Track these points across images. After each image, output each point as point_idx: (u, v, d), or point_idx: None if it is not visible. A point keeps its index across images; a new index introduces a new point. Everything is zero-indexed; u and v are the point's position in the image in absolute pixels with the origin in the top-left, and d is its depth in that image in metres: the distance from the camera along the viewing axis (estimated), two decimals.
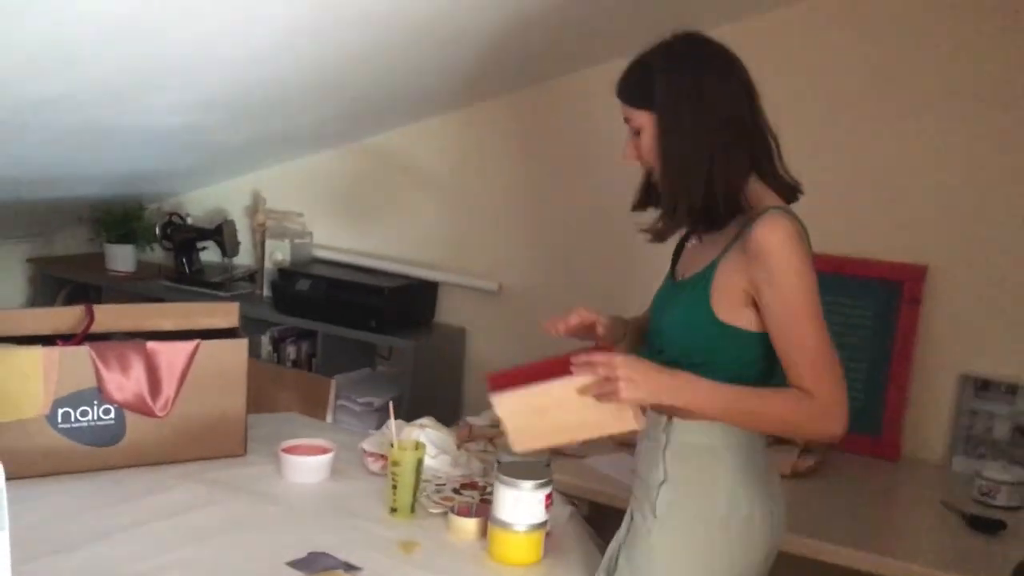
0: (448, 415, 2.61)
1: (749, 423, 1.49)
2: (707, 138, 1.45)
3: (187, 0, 1.72)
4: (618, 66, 1.57)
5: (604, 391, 1.42)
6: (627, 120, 1.54)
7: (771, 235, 1.41)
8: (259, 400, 2.71)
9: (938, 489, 2.23)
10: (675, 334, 1.55)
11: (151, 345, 1.93)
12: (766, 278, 1.41)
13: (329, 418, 2.86)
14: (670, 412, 1.54)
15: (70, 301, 3.49)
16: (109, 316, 1.99)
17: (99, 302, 2.36)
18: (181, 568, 1.52)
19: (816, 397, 1.40)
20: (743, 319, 1.47)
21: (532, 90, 2.93)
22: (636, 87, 1.52)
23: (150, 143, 2.68)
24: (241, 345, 2.04)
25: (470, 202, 3.10)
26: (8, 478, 1.69)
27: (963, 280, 2.38)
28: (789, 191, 1.53)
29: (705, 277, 1.50)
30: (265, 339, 3.21)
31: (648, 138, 1.51)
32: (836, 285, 2.43)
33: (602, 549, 1.83)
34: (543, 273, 2.99)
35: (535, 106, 2.95)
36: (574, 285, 2.92)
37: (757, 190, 1.50)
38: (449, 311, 3.15)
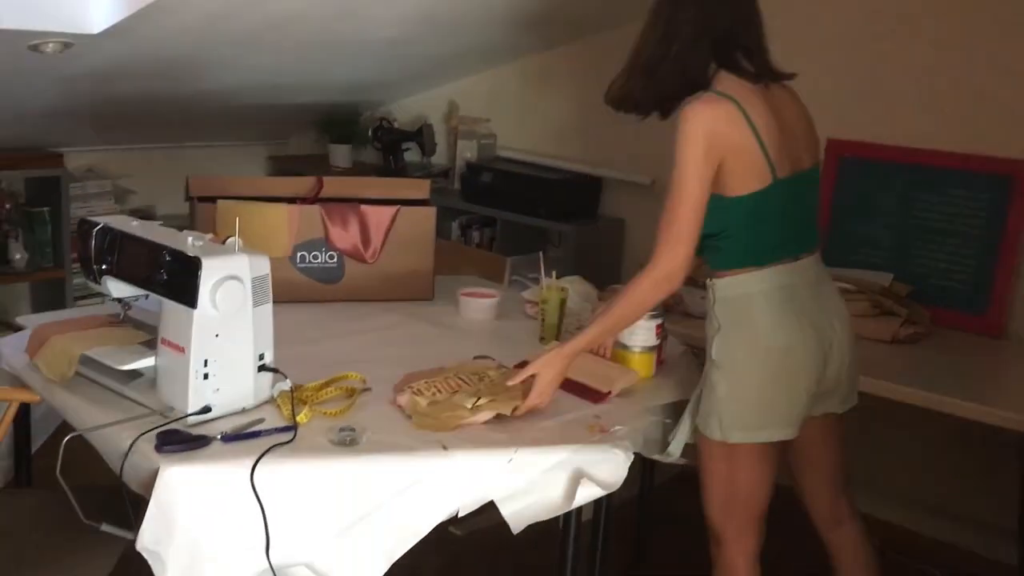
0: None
1: (623, 326, 1.95)
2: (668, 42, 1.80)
3: None
4: None
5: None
6: None
7: (680, 117, 1.75)
8: (449, 273, 3.28)
9: None
10: None
11: (363, 208, 2.50)
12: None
13: (505, 287, 3.40)
14: (711, 273, 1.87)
15: None
16: (334, 186, 2.58)
17: None
18: (382, 360, 2.07)
19: (658, 263, 1.77)
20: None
21: None
22: None
23: (368, 55, 3.27)
24: (430, 212, 2.58)
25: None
26: None
27: None
28: (754, 78, 1.77)
29: None
30: (455, 225, 3.79)
31: None
32: (953, 178, 2.69)
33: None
34: None
35: None
36: None
37: (722, 79, 1.78)
38: (612, 204, 3.60)
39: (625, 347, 2.11)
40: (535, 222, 3.50)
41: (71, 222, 3.58)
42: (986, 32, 2.68)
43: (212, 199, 2.42)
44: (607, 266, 3.57)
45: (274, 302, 2.36)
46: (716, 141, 1.72)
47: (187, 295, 1.64)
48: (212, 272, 1.63)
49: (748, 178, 1.74)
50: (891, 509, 2.92)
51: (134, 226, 1.83)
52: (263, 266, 1.74)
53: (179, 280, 1.66)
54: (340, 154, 4.15)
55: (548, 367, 1.86)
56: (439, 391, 1.84)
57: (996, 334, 2.65)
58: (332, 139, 4.15)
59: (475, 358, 2.11)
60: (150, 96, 3.31)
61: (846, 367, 1.90)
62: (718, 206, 1.76)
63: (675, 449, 1.94)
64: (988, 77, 2.69)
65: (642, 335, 2.10)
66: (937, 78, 2.75)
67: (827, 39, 2.96)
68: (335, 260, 2.49)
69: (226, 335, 1.68)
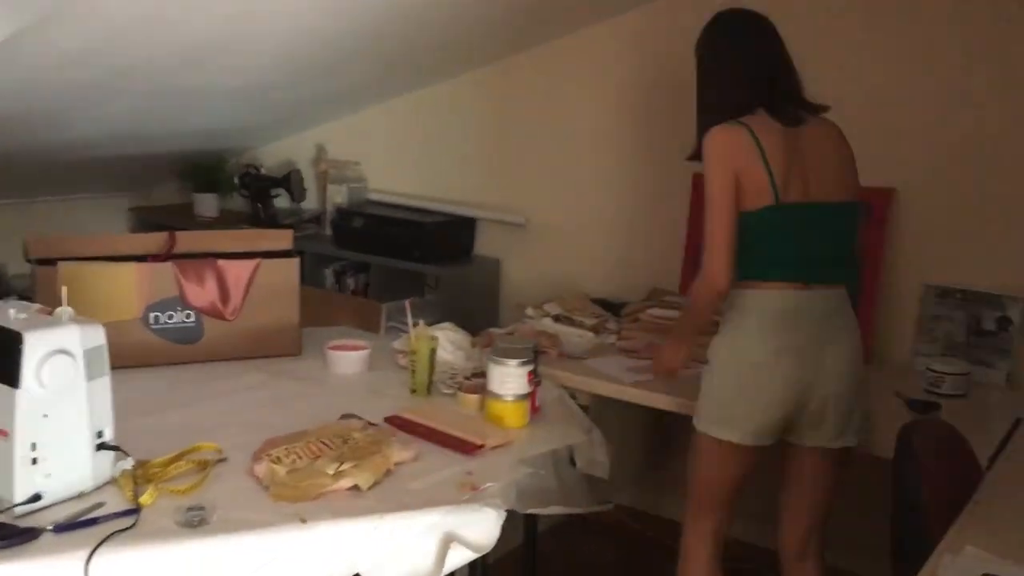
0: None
1: (696, 323, 2.16)
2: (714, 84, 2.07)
3: None
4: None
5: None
6: None
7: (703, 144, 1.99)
8: (321, 323, 3.17)
9: (899, 384, 2.52)
10: None
11: (221, 262, 2.38)
12: None
13: (381, 335, 3.30)
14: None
15: None
16: (188, 240, 2.45)
17: None
18: (241, 425, 1.96)
19: (703, 271, 1.99)
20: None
21: (560, 42, 3.28)
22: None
23: (224, 102, 3.15)
24: (293, 264, 2.47)
25: (501, 148, 3.50)
26: (112, 367, 2.17)
27: (926, 201, 2.66)
28: (787, 119, 1.99)
29: None
30: (328, 272, 3.68)
31: None
32: None
33: (584, 424, 2.23)
34: (565, 208, 3.36)
35: (563, 58, 3.30)
36: (593, 218, 3.29)
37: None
38: (486, 244, 3.55)
39: (497, 396, 2.05)
40: (410, 266, 3.43)
41: None
42: (838, 59, 2.75)
43: (53, 261, 2.26)
44: (485, 306, 3.52)
45: (127, 367, 2.26)
46: (729, 160, 1.94)
47: (8, 374, 1.49)
48: (36, 347, 1.50)
49: (754, 196, 1.94)
50: None
51: None
52: (97, 336, 1.61)
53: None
54: (206, 203, 3.99)
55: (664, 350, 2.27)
56: (300, 457, 1.73)
57: (866, 361, 2.69)
58: (197, 188, 3.99)
59: (341, 417, 2.01)
60: None
61: (835, 402, 2.00)
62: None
63: None
64: (840, 106, 2.76)
65: (513, 383, 2.04)
66: None
67: None
68: (192, 319, 2.35)
69: (56, 415, 1.54)
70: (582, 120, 3.29)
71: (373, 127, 3.83)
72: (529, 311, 2.97)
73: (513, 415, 2.04)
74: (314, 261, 3.68)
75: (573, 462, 2.18)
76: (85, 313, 2.17)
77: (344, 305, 3.46)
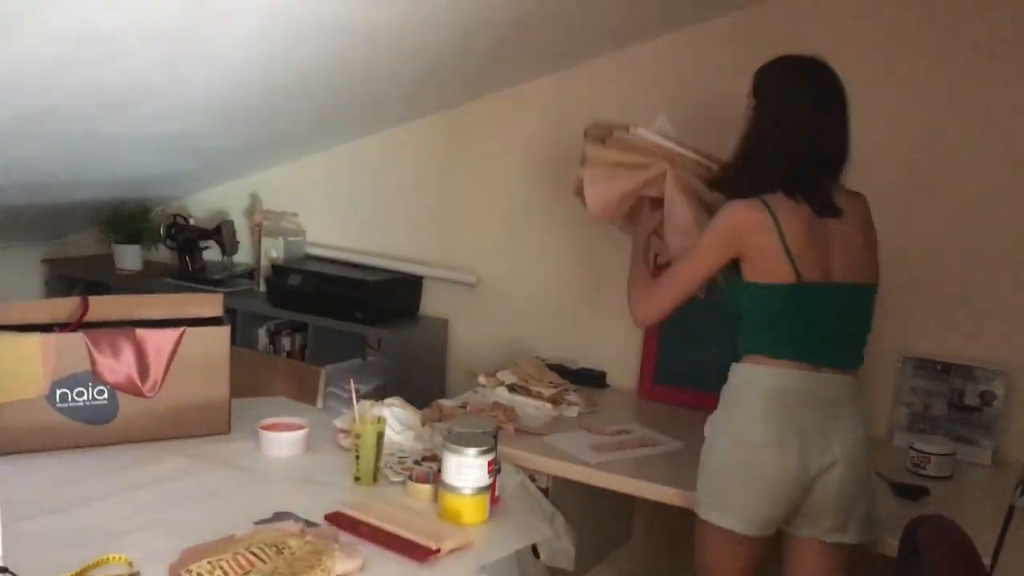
0: (432, 400, 2.79)
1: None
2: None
3: (164, 20, 1.91)
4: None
5: None
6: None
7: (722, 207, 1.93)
8: (255, 388, 2.91)
9: (878, 463, 2.35)
10: None
11: (140, 332, 2.12)
12: None
13: (319, 405, 3.04)
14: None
15: None
16: (103, 306, 2.19)
17: None
18: (159, 527, 1.70)
19: (642, 300, 2.03)
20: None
21: (510, 91, 3.10)
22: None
23: (143, 150, 2.89)
24: (223, 332, 2.22)
25: (450, 201, 3.29)
26: (10, 452, 1.91)
27: (904, 268, 2.52)
28: (819, 207, 1.89)
29: None
30: (262, 332, 3.41)
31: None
32: None
33: (546, 509, 2.02)
34: (517, 266, 3.17)
35: (512, 108, 3.13)
36: (546, 278, 3.10)
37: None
38: (433, 303, 3.33)
39: (453, 488, 1.82)
40: (351, 327, 3.18)
41: None
42: None
43: None
44: (432, 370, 3.29)
45: (28, 452, 1.98)
46: (737, 240, 1.87)
47: None
48: None
49: (767, 271, 1.85)
50: None
51: None
52: None
53: None
54: (128, 256, 3.69)
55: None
56: (226, 574, 1.48)
57: None
58: (118, 239, 3.69)
59: (274, 516, 1.77)
60: None
61: (838, 495, 1.85)
62: (739, 286, 1.90)
63: None
64: None
65: (473, 474, 1.81)
66: None
67: None
68: (105, 396, 2.08)
69: None
70: (535, 173, 3.11)
71: (312, 175, 3.59)
72: (481, 379, 2.76)
73: (472, 510, 1.82)
74: (247, 320, 3.41)
75: (536, 553, 1.98)
76: None
77: (279, 369, 3.18)
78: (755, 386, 1.87)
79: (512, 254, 3.18)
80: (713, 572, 1.94)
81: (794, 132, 1.87)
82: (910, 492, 2.13)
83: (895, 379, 2.52)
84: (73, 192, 3.33)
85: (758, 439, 1.83)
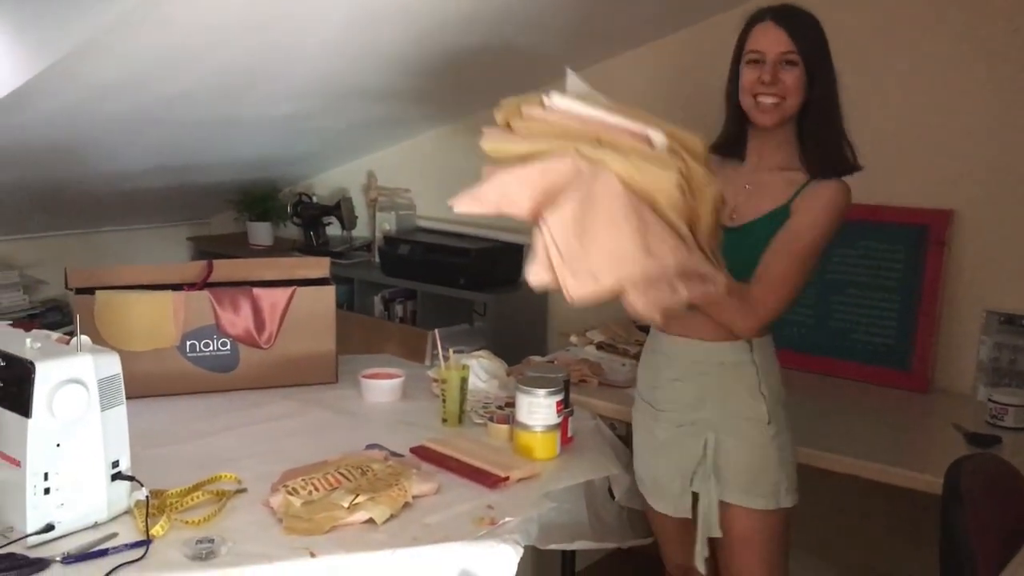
0: None
1: (707, 310, 1.74)
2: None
3: (277, 6, 2.13)
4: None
5: None
6: (786, 53, 1.76)
7: (835, 190, 1.77)
8: (370, 350, 3.15)
9: (959, 416, 2.38)
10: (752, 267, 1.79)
11: (256, 291, 2.38)
12: (806, 208, 1.77)
13: (427, 363, 3.27)
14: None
15: None
16: (225, 269, 2.47)
17: None
18: (267, 455, 1.94)
19: (753, 295, 1.73)
20: None
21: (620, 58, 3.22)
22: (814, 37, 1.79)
23: (265, 131, 3.18)
24: (329, 292, 2.46)
25: None
26: (148, 395, 2.19)
27: (987, 223, 2.52)
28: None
29: (783, 214, 1.79)
30: (377, 299, 3.67)
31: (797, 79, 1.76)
32: (869, 231, 2.62)
33: (622, 454, 2.15)
34: None
35: (614, 78, 3.24)
36: None
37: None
38: None
39: (525, 426, 1.99)
40: (457, 293, 3.39)
41: None
42: (894, 80, 2.64)
43: (92, 290, 2.29)
44: (532, 334, 3.46)
45: (163, 395, 2.27)
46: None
47: (20, 403, 1.50)
48: (48, 376, 1.50)
49: None
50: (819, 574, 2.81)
51: None
52: (112, 366, 1.60)
53: (13, 387, 1.52)
54: (260, 232, 4.03)
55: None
56: (316, 489, 1.70)
57: (923, 389, 2.56)
58: (251, 217, 4.03)
59: (366, 447, 1.98)
60: (53, 183, 3.19)
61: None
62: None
63: None
64: (896, 127, 2.65)
65: (542, 413, 1.98)
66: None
67: None
68: (228, 347, 2.36)
69: (69, 444, 1.54)
70: None
71: (423, 153, 3.82)
72: (573, 339, 2.91)
73: (542, 446, 1.98)
74: (364, 288, 3.68)
75: (612, 494, 2.12)
76: (124, 340, 2.24)
77: (392, 333, 3.44)
78: (773, 355, 1.89)
79: None
80: (782, 559, 1.91)
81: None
82: (982, 440, 2.15)
83: (979, 335, 2.52)
84: (207, 174, 3.67)
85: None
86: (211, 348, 2.35)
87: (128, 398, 1.63)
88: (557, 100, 1.55)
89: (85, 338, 1.60)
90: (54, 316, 3.62)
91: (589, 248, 1.44)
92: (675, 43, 3.06)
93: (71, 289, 2.32)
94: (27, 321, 3.56)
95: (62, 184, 3.25)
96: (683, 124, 1.55)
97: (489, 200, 1.61)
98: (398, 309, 3.64)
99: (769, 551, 1.87)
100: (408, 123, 3.64)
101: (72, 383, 1.52)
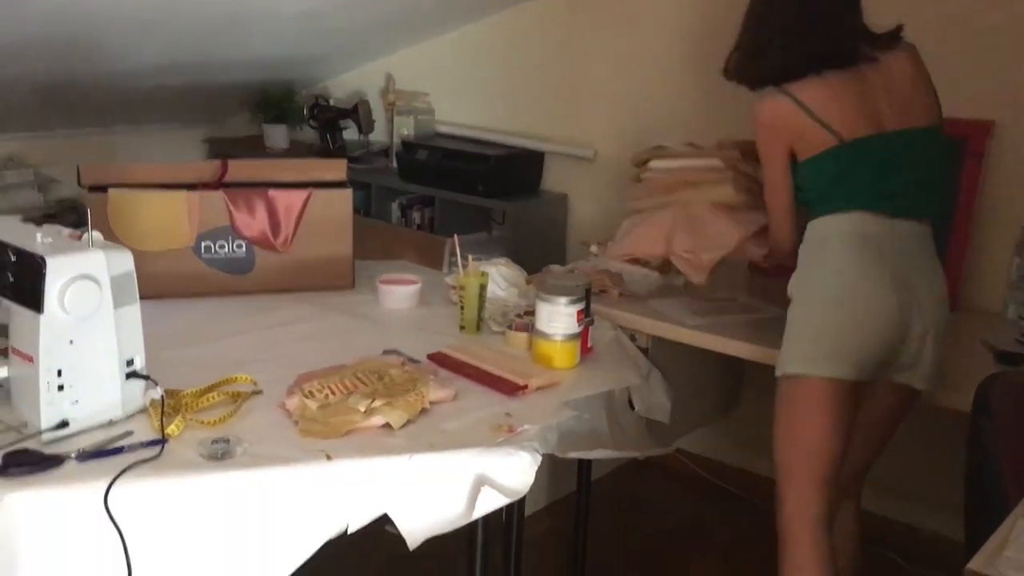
0: None
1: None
2: None
3: None
4: None
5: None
6: None
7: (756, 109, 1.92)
8: (387, 257, 3.11)
9: (987, 333, 2.33)
10: None
11: (272, 192, 2.33)
12: None
13: (445, 270, 3.23)
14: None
15: None
16: (240, 169, 2.40)
17: None
18: (283, 358, 1.92)
19: (770, 233, 2.02)
20: None
21: None
22: None
23: (285, 30, 3.07)
24: (346, 195, 2.40)
25: (572, 78, 3.34)
26: (163, 296, 2.17)
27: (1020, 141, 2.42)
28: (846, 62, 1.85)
29: None
30: (395, 206, 3.61)
31: None
32: None
33: (643, 365, 2.12)
34: (634, 141, 3.21)
35: None
36: None
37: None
38: (554, 178, 3.43)
39: (545, 335, 1.95)
40: (475, 200, 3.33)
41: None
42: None
43: (105, 188, 2.24)
44: (551, 243, 3.41)
45: (179, 296, 2.24)
46: (778, 131, 1.87)
47: (32, 299, 1.46)
48: (59, 272, 1.46)
49: (813, 146, 1.84)
50: None
51: None
52: (125, 263, 1.56)
53: (24, 282, 1.49)
54: (276, 135, 3.96)
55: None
56: (332, 393, 1.68)
57: (951, 306, 2.49)
58: (267, 119, 3.96)
59: (384, 352, 1.96)
60: (64, 79, 3.12)
61: (933, 341, 1.84)
62: (797, 173, 1.90)
63: None
64: (935, 37, 2.53)
65: (562, 321, 1.94)
66: None
67: None
68: (244, 249, 2.32)
69: (83, 341, 1.51)
70: (651, 49, 3.11)
71: (442, 56, 3.71)
72: (593, 249, 2.85)
73: (561, 355, 1.95)
74: (381, 194, 3.63)
75: (632, 405, 2.09)
76: (138, 240, 2.20)
77: (409, 240, 3.39)
78: (835, 233, 1.83)
79: (628, 129, 3.22)
80: (803, 441, 1.83)
81: (800, 15, 1.85)
82: (1010, 359, 2.11)
83: (1013, 251, 2.45)
84: (223, 73, 3.58)
85: (852, 277, 1.79)
86: (226, 250, 2.31)
87: (142, 298, 1.60)
88: (655, 163, 2.46)
89: (97, 234, 1.56)
90: (69, 217, 3.58)
91: (699, 243, 2.29)
92: None
93: (83, 187, 2.27)
94: (43, 220, 3.52)
95: (74, 81, 3.17)
96: None
97: (632, 249, 2.46)
98: (415, 216, 3.59)
99: (777, 417, 1.89)
100: (427, 24, 3.52)
101: (84, 279, 1.48)
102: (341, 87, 4.05)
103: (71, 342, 1.50)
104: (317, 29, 3.22)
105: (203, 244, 2.28)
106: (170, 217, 2.25)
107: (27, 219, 1.71)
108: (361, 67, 3.96)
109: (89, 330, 1.51)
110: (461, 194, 3.34)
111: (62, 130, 3.73)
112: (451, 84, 3.70)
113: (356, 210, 2.45)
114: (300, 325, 2.16)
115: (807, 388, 1.81)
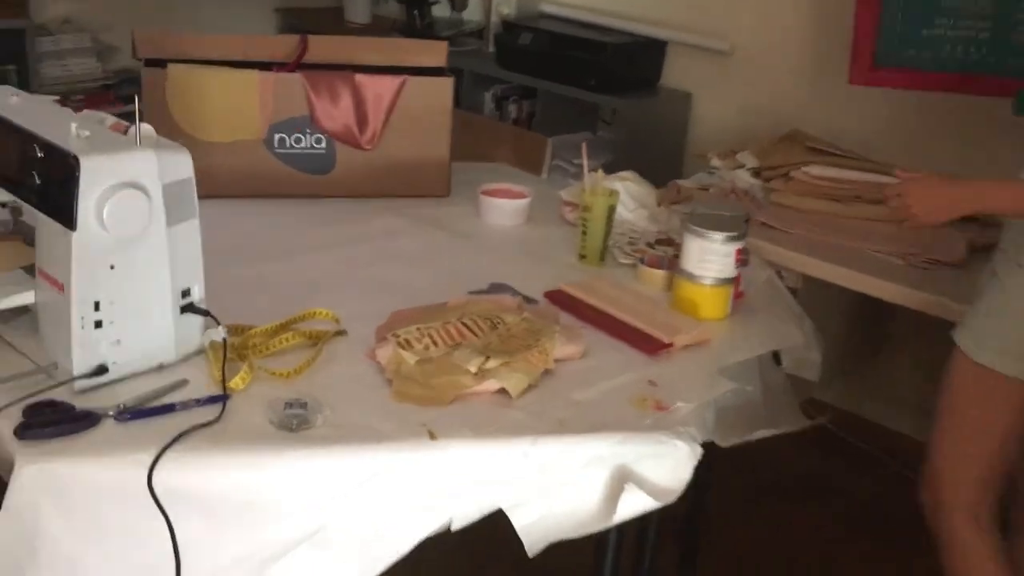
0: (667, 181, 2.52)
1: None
2: None
3: None
4: None
5: (901, 216, 1.68)
6: None
7: None
8: (476, 155, 2.74)
9: None
10: None
11: (359, 77, 1.95)
12: None
13: (544, 175, 2.85)
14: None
15: None
16: (322, 47, 2.03)
17: None
18: (370, 285, 1.59)
19: None
20: None
21: None
22: None
23: None
24: (447, 84, 2.02)
25: None
26: (228, 195, 1.84)
27: None
28: None
29: None
30: (488, 96, 3.24)
31: None
32: None
33: (798, 315, 1.75)
34: (780, 33, 2.73)
35: None
36: (812, 46, 2.65)
37: None
38: (677, 73, 2.99)
39: (693, 277, 1.57)
40: (584, 95, 2.92)
41: (41, 86, 3.06)
42: None
43: (164, 62, 1.88)
44: (669, 150, 3.00)
45: (247, 196, 1.91)
46: None
47: (63, 211, 1.13)
48: (96, 177, 1.12)
49: None
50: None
51: (12, 103, 1.31)
52: (183, 167, 1.21)
53: (53, 187, 1.15)
54: (357, 8, 3.58)
55: (915, 183, 1.67)
56: (434, 343, 1.34)
57: None
58: None
59: (490, 287, 1.60)
60: None
61: None
62: None
63: None
64: None
65: (717, 263, 1.56)
66: None
67: None
68: (323, 145, 1.96)
69: (127, 267, 1.18)
70: None
71: None
72: (715, 162, 2.42)
73: (711, 303, 1.57)
74: (473, 82, 3.23)
75: (777, 360, 1.73)
76: (200, 128, 1.86)
77: (503, 136, 3.01)
78: None
79: (775, 17, 2.74)
80: (970, 420, 1.65)
81: None
82: None
83: None
84: None
85: None
86: (303, 144, 1.95)
87: (201, 198, 1.25)
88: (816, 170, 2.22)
89: (148, 127, 1.20)
90: (129, 87, 3.25)
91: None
92: None
93: (139, 59, 1.92)
94: (102, 92, 3.21)
95: None
96: None
97: None
98: (512, 109, 3.20)
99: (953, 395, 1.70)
100: None
101: (128, 188, 1.14)
102: None
103: (112, 267, 1.16)
104: None
105: (276, 136, 1.93)
106: (239, 102, 1.89)
107: (86, 96, 1.35)
108: None
109: (135, 253, 1.18)
110: (568, 87, 2.92)
111: None
112: None
113: None
114: (388, 240, 1.81)
115: (999, 384, 1.59)
